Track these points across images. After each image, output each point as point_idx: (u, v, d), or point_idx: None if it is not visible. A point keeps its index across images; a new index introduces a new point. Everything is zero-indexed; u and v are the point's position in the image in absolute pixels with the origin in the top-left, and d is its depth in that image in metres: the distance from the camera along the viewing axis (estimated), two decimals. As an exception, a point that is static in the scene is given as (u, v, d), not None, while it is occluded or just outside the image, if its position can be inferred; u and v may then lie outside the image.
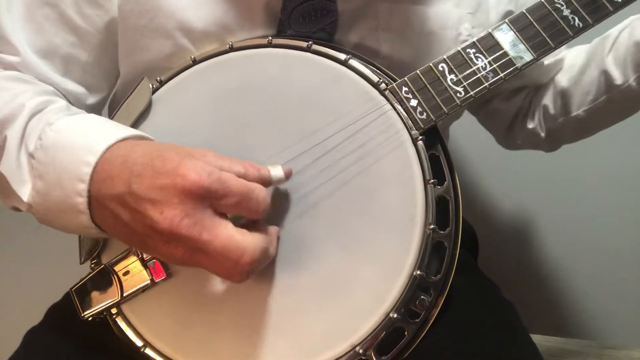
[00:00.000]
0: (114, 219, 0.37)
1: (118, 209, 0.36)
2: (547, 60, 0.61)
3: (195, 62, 0.47)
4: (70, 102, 0.49)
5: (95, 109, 0.52)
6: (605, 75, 0.56)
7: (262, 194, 0.38)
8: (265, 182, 0.40)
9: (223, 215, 0.37)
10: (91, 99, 0.51)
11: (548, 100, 0.62)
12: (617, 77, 0.55)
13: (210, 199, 0.35)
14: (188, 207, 0.34)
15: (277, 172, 0.40)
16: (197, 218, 0.35)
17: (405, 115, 0.44)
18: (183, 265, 0.39)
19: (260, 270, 0.41)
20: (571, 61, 0.61)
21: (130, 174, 0.36)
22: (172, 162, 0.35)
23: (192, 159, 0.36)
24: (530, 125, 0.63)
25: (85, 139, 0.39)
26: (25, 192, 0.40)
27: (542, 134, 0.63)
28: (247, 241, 0.36)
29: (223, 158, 0.38)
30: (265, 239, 0.38)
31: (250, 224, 0.39)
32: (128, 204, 0.36)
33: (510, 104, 0.64)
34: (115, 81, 0.53)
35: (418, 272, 0.40)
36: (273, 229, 0.41)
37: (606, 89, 0.56)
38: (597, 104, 0.57)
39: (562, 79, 0.61)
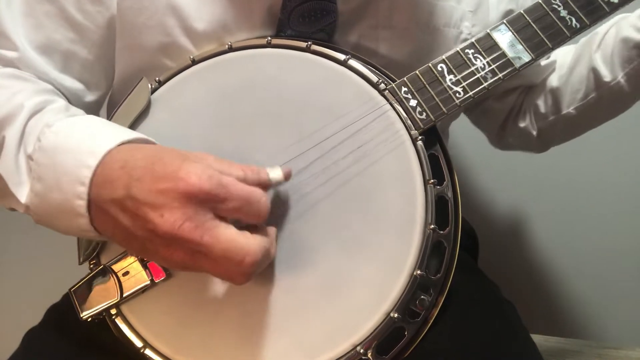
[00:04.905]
0: (113, 224, 0.37)
1: (118, 214, 0.36)
2: (543, 61, 0.61)
3: (194, 62, 0.47)
4: (68, 100, 0.49)
5: (93, 107, 0.52)
6: (594, 72, 0.56)
7: (263, 198, 0.37)
8: (265, 185, 0.39)
9: (224, 219, 0.36)
10: (89, 97, 0.51)
11: (539, 99, 0.62)
12: (606, 75, 0.54)
13: (211, 203, 0.35)
14: (189, 210, 0.34)
15: (276, 174, 0.40)
16: (198, 222, 0.34)
17: (405, 115, 0.44)
18: (184, 270, 0.38)
19: (261, 270, 0.41)
20: (560, 60, 0.61)
21: (130, 178, 0.36)
22: (172, 166, 0.35)
23: (193, 163, 0.35)
24: (522, 124, 0.63)
25: (86, 141, 0.39)
26: (22, 193, 0.40)
27: (534, 133, 0.63)
28: (250, 243, 0.36)
29: (222, 162, 0.38)
30: (267, 240, 0.38)
31: (250, 226, 0.39)
32: (128, 208, 0.35)
33: (504, 103, 0.64)
34: (113, 79, 0.53)
35: (418, 271, 0.40)
36: (272, 230, 0.41)
37: (595, 87, 0.56)
38: (587, 102, 0.57)
39: (552, 78, 0.61)
